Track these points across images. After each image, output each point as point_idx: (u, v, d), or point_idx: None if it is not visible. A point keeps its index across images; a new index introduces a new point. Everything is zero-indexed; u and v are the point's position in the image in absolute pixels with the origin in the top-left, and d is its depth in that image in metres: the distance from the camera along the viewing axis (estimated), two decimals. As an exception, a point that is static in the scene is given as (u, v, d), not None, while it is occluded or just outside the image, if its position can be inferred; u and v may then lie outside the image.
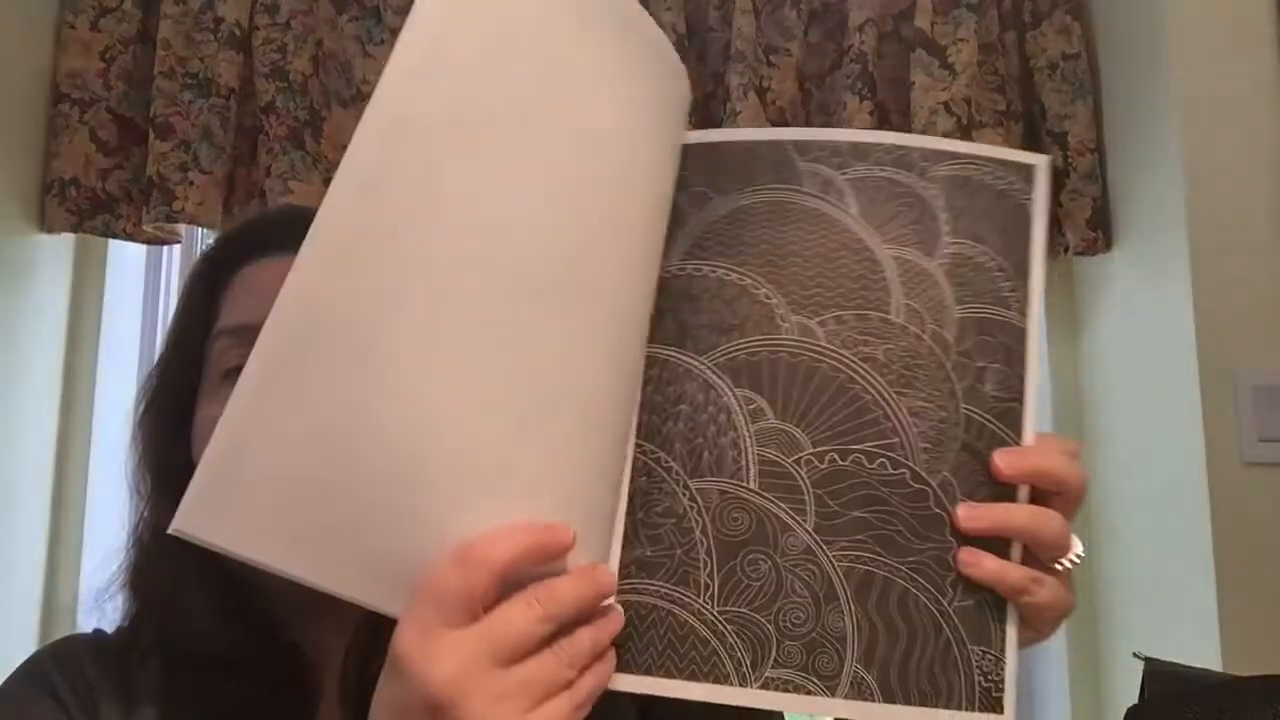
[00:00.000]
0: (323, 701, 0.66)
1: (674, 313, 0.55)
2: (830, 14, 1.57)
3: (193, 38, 1.43)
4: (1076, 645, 1.51)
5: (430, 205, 0.44)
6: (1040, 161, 0.56)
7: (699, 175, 0.57)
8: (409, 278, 0.43)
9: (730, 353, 0.53)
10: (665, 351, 0.54)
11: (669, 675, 0.49)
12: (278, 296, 0.43)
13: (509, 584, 0.46)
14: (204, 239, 1.61)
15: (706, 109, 1.52)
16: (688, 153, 0.58)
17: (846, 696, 0.48)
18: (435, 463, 0.44)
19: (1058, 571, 0.52)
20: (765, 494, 0.51)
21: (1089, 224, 1.51)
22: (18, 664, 0.67)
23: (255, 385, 0.42)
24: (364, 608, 0.67)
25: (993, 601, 0.50)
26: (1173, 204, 1.39)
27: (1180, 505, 1.34)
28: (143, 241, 1.44)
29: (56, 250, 1.43)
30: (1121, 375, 1.50)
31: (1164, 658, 1.11)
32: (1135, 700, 1.08)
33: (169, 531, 0.42)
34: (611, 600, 0.50)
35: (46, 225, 1.39)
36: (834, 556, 0.50)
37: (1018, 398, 0.52)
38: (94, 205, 1.40)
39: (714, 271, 0.55)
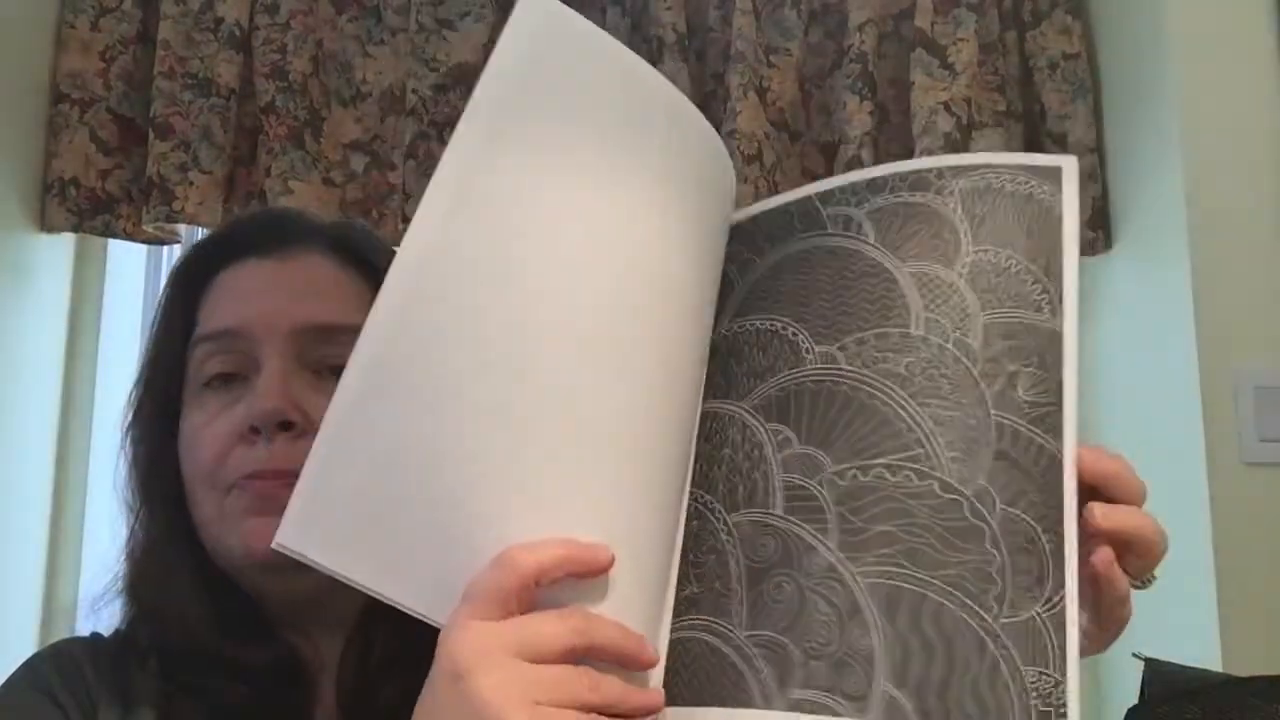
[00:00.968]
0: (319, 703, 0.67)
1: (722, 369, 0.56)
2: (830, 14, 1.57)
3: (193, 38, 1.43)
4: (1076, 645, 1.51)
5: (498, 268, 0.47)
6: (1067, 163, 0.54)
7: (744, 245, 0.59)
8: (477, 332, 0.47)
9: (764, 392, 0.53)
10: (714, 404, 0.55)
11: (704, 704, 0.48)
12: (360, 336, 0.46)
13: (546, 598, 0.46)
14: (204, 239, 1.62)
15: (706, 109, 1.51)
16: (734, 230, 0.60)
17: (879, 717, 0.45)
18: (497, 500, 0.47)
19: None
20: (789, 517, 0.50)
21: (1089, 224, 1.51)
22: (16, 667, 0.67)
23: (340, 417, 0.45)
24: (354, 613, 0.68)
25: (1048, 618, 0.45)
26: (1173, 204, 1.39)
27: (1180, 505, 1.33)
28: (143, 241, 1.43)
29: (56, 250, 1.43)
30: (1121, 375, 1.50)
31: (1164, 658, 1.11)
32: (1135, 700, 1.08)
33: (272, 547, 0.44)
34: (656, 683, 0.50)
35: (46, 225, 1.39)
36: (858, 573, 0.47)
37: (1055, 402, 0.49)
38: (94, 205, 1.40)
39: (753, 324, 0.56)
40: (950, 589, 0.46)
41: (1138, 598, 1.54)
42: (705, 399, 0.56)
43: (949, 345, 0.51)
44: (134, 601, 0.69)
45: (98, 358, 1.47)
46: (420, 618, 0.47)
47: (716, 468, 0.53)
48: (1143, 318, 1.46)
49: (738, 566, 0.50)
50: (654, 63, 1.48)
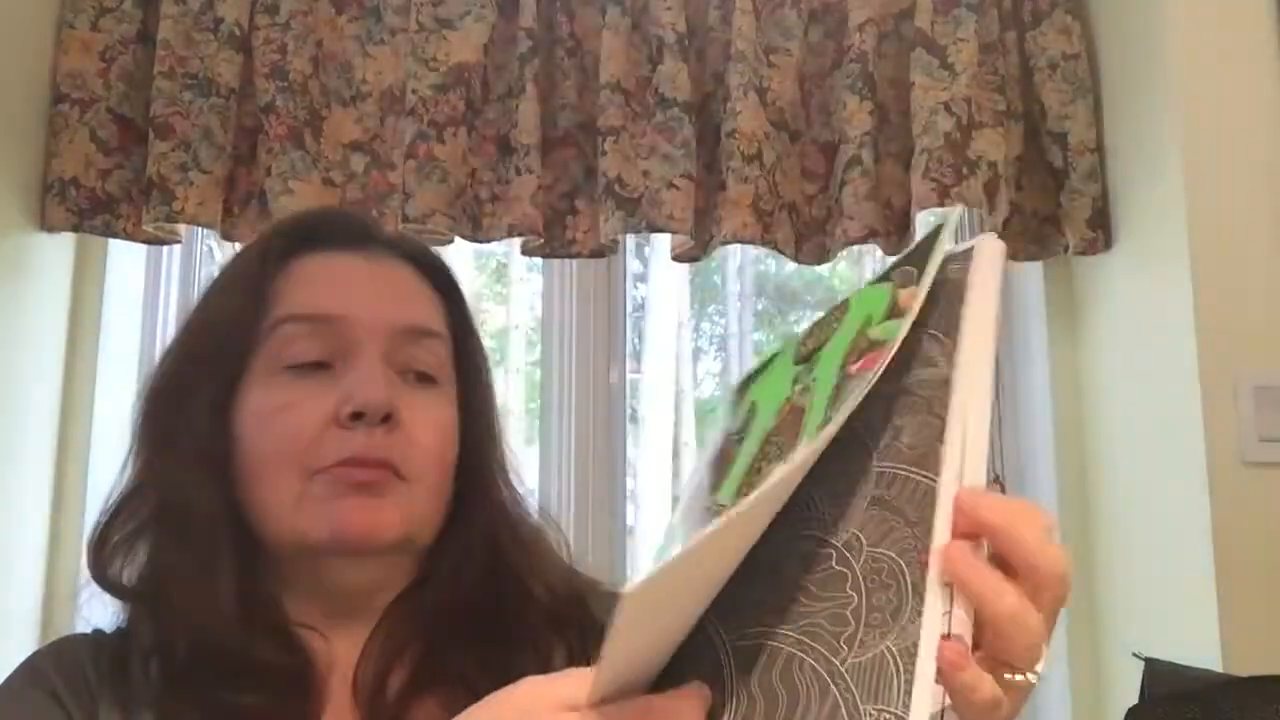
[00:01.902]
0: (329, 706, 0.66)
1: None
2: (830, 14, 1.57)
3: (193, 38, 1.43)
4: (1076, 645, 1.51)
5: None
6: (982, 241, 0.53)
7: None
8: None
9: None
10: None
11: None
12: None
13: None
14: (204, 239, 1.61)
15: (706, 109, 1.52)
16: None
17: None
18: None
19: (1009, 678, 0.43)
20: None
21: (1089, 224, 1.51)
22: (16, 663, 0.67)
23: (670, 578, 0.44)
24: (379, 614, 0.68)
25: (899, 650, 0.42)
26: (1173, 204, 1.39)
27: (1180, 505, 1.34)
28: (143, 241, 1.44)
29: (56, 250, 1.43)
30: (1121, 375, 1.50)
31: (1164, 658, 1.11)
32: (1135, 700, 1.08)
33: (624, 593, 0.40)
34: None
35: (46, 225, 1.39)
36: (729, 637, 0.48)
37: (938, 438, 0.47)
38: (94, 205, 1.40)
39: None
40: (803, 638, 0.46)
41: (1138, 597, 1.54)
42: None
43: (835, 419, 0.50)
44: (154, 569, 0.67)
45: (98, 358, 1.47)
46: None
47: None
48: (1143, 318, 1.46)
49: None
50: (654, 63, 1.49)
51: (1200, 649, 1.26)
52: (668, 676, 0.49)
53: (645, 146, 1.46)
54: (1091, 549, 1.52)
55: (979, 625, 0.43)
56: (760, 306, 3.53)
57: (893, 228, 1.51)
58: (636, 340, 3.36)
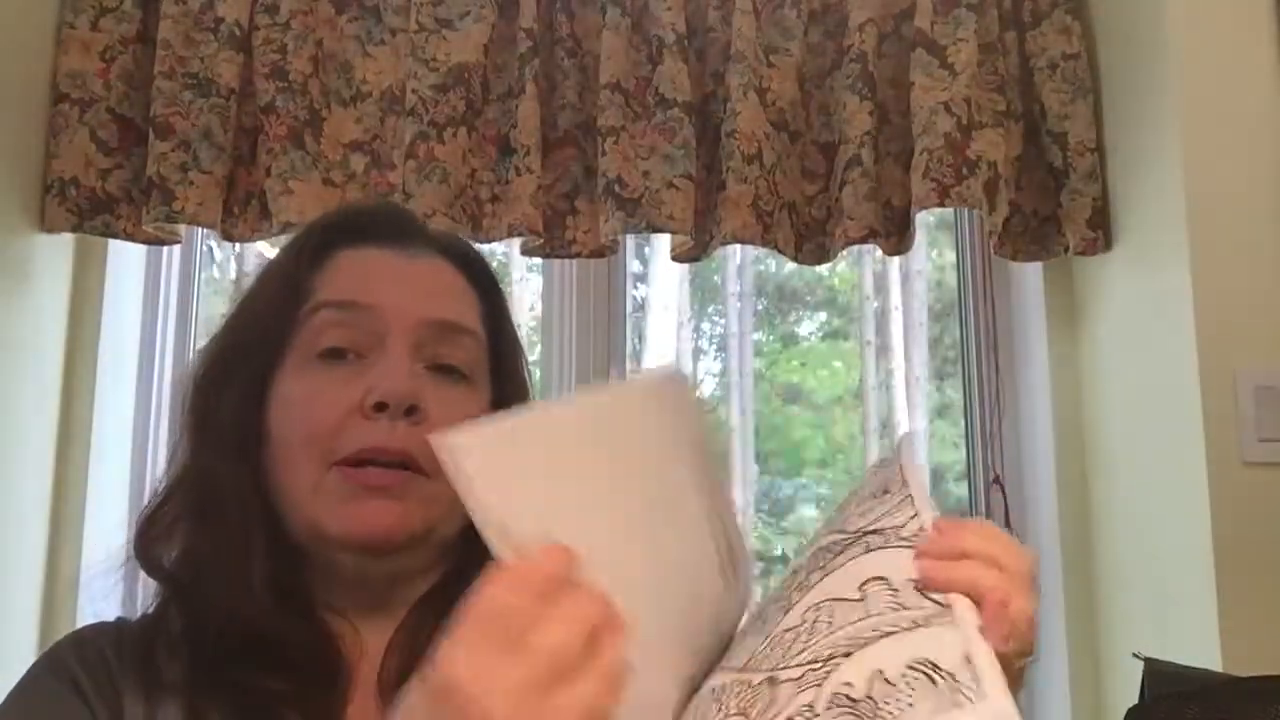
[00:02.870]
0: (356, 693, 0.66)
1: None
2: (830, 14, 1.57)
3: (193, 38, 1.43)
4: (1076, 645, 1.51)
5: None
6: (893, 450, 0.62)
7: None
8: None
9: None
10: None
11: None
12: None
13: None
14: (204, 239, 1.62)
15: (706, 109, 1.52)
16: None
17: None
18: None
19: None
20: None
21: (1089, 224, 1.51)
22: (20, 655, 0.67)
23: (524, 428, 0.49)
24: (410, 605, 0.68)
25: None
26: (1173, 204, 1.39)
27: (1180, 505, 1.34)
28: (143, 241, 1.44)
29: (56, 250, 1.43)
30: (1121, 375, 1.50)
31: (1164, 658, 1.11)
32: (1135, 700, 1.08)
33: (430, 438, 0.45)
34: None
35: (46, 225, 1.39)
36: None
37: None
38: (94, 205, 1.40)
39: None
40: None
41: (1138, 597, 1.54)
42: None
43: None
44: (183, 561, 0.68)
45: (98, 358, 1.47)
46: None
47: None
48: (1143, 318, 1.46)
49: None
50: (654, 63, 1.49)
51: (1200, 649, 1.26)
52: None
53: (645, 147, 1.46)
54: (1091, 549, 1.52)
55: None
56: (760, 306, 3.53)
57: (893, 228, 1.51)
58: (636, 340, 3.36)
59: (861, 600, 0.50)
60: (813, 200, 1.53)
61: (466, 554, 0.70)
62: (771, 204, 1.47)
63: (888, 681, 0.45)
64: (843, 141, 1.50)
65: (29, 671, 0.66)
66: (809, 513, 2.81)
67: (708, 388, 3.74)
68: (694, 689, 0.54)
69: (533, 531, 0.46)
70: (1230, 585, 1.27)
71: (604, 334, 1.60)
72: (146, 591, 0.71)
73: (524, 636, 0.43)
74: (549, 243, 1.48)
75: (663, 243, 1.54)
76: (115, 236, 1.42)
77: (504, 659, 0.43)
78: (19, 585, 1.36)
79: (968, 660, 0.44)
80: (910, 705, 0.43)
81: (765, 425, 2.96)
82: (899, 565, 0.51)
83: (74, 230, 1.40)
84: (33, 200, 1.39)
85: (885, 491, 0.58)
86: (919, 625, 0.47)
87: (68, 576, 1.41)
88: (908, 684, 0.44)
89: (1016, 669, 0.49)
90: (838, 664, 0.47)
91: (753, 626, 0.57)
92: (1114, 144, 1.53)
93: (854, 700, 0.45)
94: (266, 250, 1.55)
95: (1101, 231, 1.51)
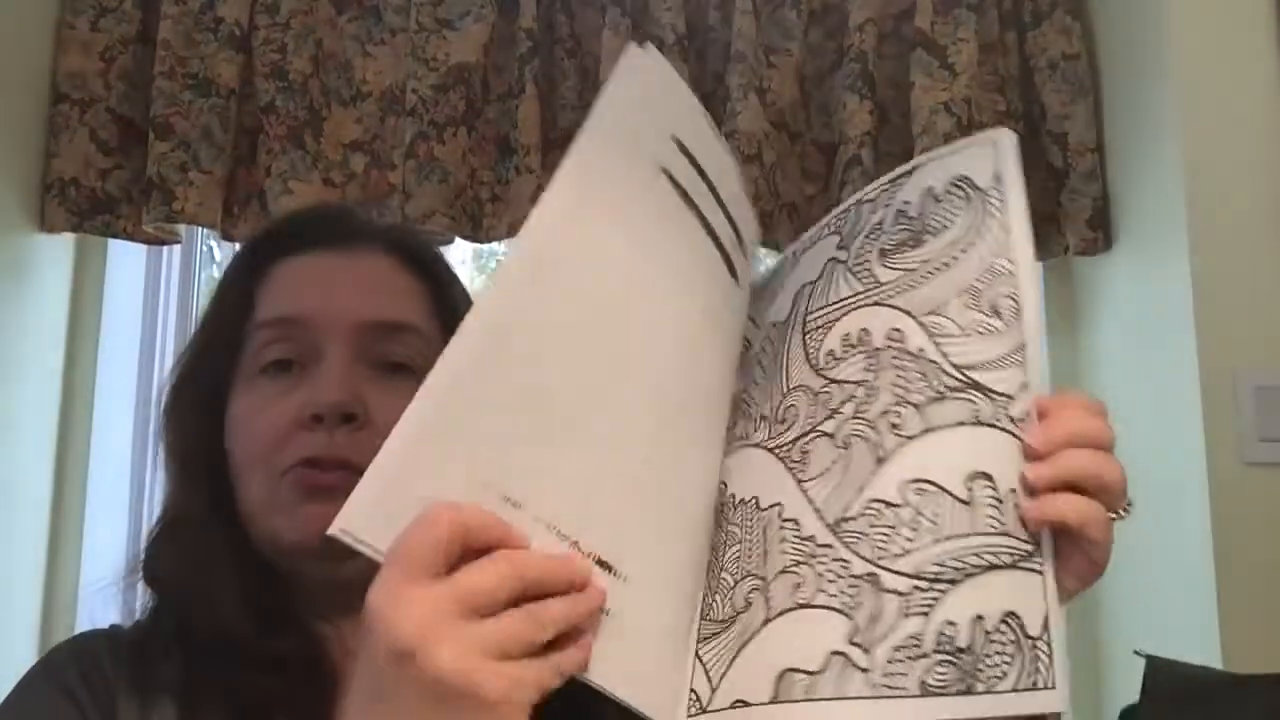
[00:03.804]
0: (343, 695, 0.66)
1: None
2: (830, 14, 1.57)
3: (193, 38, 1.43)
4: (1077, 644, 1.51)
5: (576, 332, 0.51)
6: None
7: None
8: (559, 374, 0.50)
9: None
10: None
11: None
12: (451, 348, 0.48)
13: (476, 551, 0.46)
14: (204, 239, 1.61)
15: (706, 109, 1.51)
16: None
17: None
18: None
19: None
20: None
21: (1089, 224, 1.51)
22: (19, 662, 0.67)
23: (426, 426, 0.47)
24: None
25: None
26: (1173, 204, 1.39)
27: (1180, 505, 1.34)
28: (143, 241, 1.43)
29: (56, 250, 1.43)
30: (1121, 375, 1.50)
31: (1165, 656, 1.11)
32: (1136, 698, 1.08)
33: (329, 533, 0.45)
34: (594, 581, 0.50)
35: (46, 225, 1.39)
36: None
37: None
38: (94, 205, 1.40)
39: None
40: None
41: (1138, 597, 1.54)
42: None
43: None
44: (163, 582, 0.68)
45: (98, 358, 1.47)
46: None
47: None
48: (1143, 318, 1.46)
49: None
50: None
51: (1201, 649, 1.26)
52: None
53: (645, 146, 1.46)
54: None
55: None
56: (760, 307, 3.53)
57: (893, 228, 1.51)
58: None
59: (968, 505, 0.50)
60: (813, 200, 1.53)
61: None
62: (771, 204, 1.47)
63: (987, 634, 0.47)
64: (843, 141, 1.50)
65: (24, 677, 0.66)
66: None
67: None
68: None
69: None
70: (1230, 585, 1.27)
71: (604, 334, 1.60)
72: (145, 604, 0.71)
73: (436, 567, 0.44)
74: (549, 243, 1.47)
75: (663, 243, 1.54)
76: (115, 236, 1.42)
77: (414, 584, 0.44)
78: (19, 583, 1.36)
79: (1045, 628, 0.47)
80: (1002, 675, 0.46)
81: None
82: (1005, 461, 0.51)
83: (74, 230, 1.39)
84: (33, 200, 1.39)
85: (996, 314, 0.54)
86: (1016, 565, 0.48)
87: (67, 576, 1.41)
88: (1001, 644, 0.46)
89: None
90: (944, 592, 0.48)
91: (787, 355, 0.58)
92: (1114, 144, 1.53)
93: (960, 650, 0.47)
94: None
95: (1101, 231, 1.51)
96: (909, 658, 0.47)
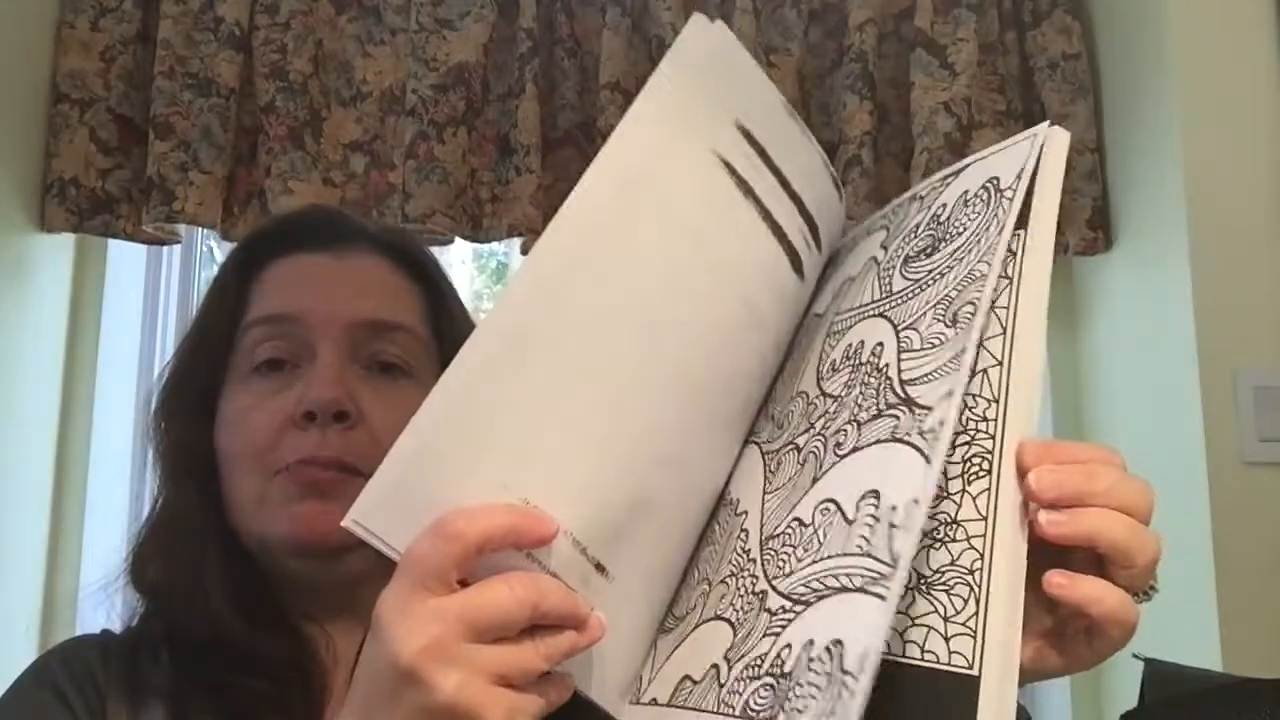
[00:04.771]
0: (331, 699, 0.67)
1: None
2: (830, 14, 1.57)
3: (193, 38, 1.43)
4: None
5: (596, 314, 0.49)
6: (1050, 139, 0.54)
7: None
8: (569, 375, 0.48)
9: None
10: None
11: None
12: (469, 340, 0.46)
13: (490, 567, 0.45)
14: (204, 239, 1.61)
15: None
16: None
17: None
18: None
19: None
20: None
21: (1089, 224, 1.51)
22: (19, 663, 0.67)
23: (445, 422, 0.45)
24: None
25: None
26: (1173, 204, 1.39)
27: (1180, 505, 1.34)
28: (143, 241, 1.44)
29: (56, 250, 1.43)
30: (1122, 375, 1.50)
31: (1164, 658, 1.11)
32: (1136, 700, 1.08)
33: (342, 524, 0.44)
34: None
35: (46, 225, 1.39)
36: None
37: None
38: (94, 205, 1.40)
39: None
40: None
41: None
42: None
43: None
44: (151, 584, 0.68)
45: (98, 358, 1.47)
46: None
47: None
48: (1143, 318, 1.46)
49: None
50: (654, 63, 1.49)
51: (1200, 650, 1.26)
52: None
53: (645, 146, 1.46)
54: (1091, 549, 1.52)
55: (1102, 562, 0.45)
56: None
57: (893, 228, 1.51)
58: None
59: (850, 524, 0.45)
60: (813, 200, 1.53)
61: None
62: (771, 204, 1.47)
63: (809, 661, 0.42)
64: (843, 141, 1.50)
65: (15, 683, 0.66)
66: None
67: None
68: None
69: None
70: (1230, 585, 1.27)
71: (604, 334, 1.60)
72: (136, 608, 0.71)
73: (450, 581, 0.44)
74: (549, 243, 1.47)
75: (663, 243, 1.54)
76: (115, 236, 1.42)
77: (426, 596, 0.44)
78: (19, 583, 1.36)
79: (862, 664, 0.39)
80: (803, 709, 0.41)
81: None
82: (898, 476, 0.44)
83: (74, 230, 1.40)
84: (33, 200, 1.39)
85: (954, 323, 0.48)
86: (864, 589, 0.42)
87: (67, 576, 1.42)
88: (815, 674, 0.41)
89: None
90: (799, 614, 0.45)
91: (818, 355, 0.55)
92: (1114, 144, 1.53)
93: (783, 675, 0.43)
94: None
95: (1101, 231, 1.51)
96: (749, 677, 0.45)
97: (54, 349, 1.42)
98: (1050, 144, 0.51)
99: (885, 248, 0.57)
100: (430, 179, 1.41)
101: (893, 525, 0.42)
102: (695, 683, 0.47)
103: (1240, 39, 1.42)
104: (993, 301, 0.47)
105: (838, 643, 0.41)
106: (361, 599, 0.68)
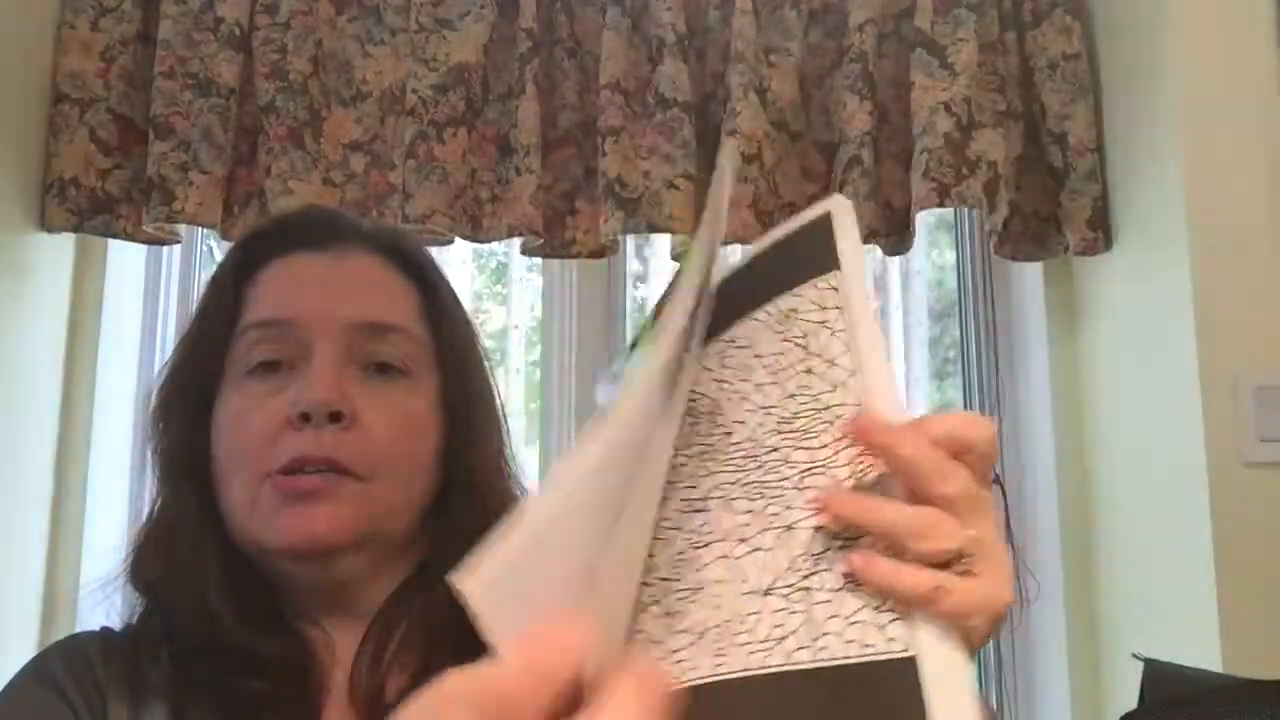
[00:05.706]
0: (330, 698, 0.67)
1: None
2: (830, 14, 1.57)
3: (193, 38, 1.43)
4: (1076, 645, 1.51)
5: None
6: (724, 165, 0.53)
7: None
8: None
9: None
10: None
11: None
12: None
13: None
14: (204, 239, 1.61)
15: (706, 109, 1.52)
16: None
17: None
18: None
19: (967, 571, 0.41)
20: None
21: (1089, 224, 1.51)
22: (19, 662, 0.68)
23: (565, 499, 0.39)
24: (377, 606, 0.68)
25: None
26: (1173, 204, 1.39)
27: (1180, 505, 1.34)
28: (143, 241, 1.44)
29: (56, 250, 1.43)
30: (1121, 375, 1.50)
31: (1164, 658, 1.11)
32: (1135, 701, 1.08)
33: (461, 589, 0.35)
34: None
35: (46, 225, 1.39)
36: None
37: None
38: (94, 205, 1.40)
39: None
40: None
41: (1138, 597, 1.53)
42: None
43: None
44: (149, 584, 0.68)
45: (98, 358, 1.47)
46: None
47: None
48: (1143, 318, 1.46)
49: None
50: (654, 63, 1.49)
51: (1200, 649, 1.26)
52: None
53: (645, 147, 1.46)
54: (1091, 550, 1.52)
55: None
56: (760, 306, 3.53)
57: (893, 228, 1.51)
58: (636, 340, 3.35)
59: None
60: (813, 200, 1.52)
61: (430, 551, 0.70)
62: (771, 204, 1.47)
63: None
64: (843, 141, 1.50)
65: (14, 678, 0.67)
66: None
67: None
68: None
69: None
70: (1230, 585, 1.27)
71: (604, 334, 1.60)
72: (136, 606, 0.71)
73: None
74: (549, 243, 1.48)
75: (663, 243, 1.54)
76: (115, 236, 1.42)
77: None
78: (19, 582, 1.36)
79: None
80: None
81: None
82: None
83: (74, 230, 1.40)
84: (33, 200, 1.39)
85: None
86: None
87: (68, 576, 1.42)
88: None
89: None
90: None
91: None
92: (1114, 144, 1.53)
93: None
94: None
95: (1101, 231, 1.51)
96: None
97: (54, 349, 1.42)
98: (833, 206, 0.51)
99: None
100: (430, 179, 1.41)
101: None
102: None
103: (1240, 39, 1.42)
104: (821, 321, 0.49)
105: None
106: (359, 598, 0.69)
